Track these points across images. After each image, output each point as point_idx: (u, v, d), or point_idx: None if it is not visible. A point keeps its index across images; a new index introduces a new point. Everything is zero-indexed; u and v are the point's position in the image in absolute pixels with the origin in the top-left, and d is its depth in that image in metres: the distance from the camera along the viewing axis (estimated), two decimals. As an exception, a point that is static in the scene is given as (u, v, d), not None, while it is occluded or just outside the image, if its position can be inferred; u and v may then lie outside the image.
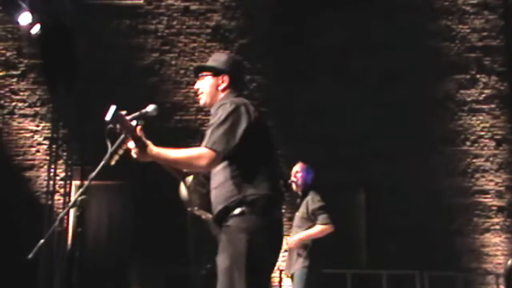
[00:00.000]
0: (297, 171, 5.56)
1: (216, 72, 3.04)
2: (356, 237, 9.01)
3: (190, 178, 2.98)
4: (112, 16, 9.70)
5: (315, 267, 5.23)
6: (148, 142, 2.82)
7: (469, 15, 9.61)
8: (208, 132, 2.80)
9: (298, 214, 5.43)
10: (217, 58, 3.11)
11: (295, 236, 5.30)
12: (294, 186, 5.57)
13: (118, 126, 2.70)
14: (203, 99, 3.09)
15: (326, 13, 9.52)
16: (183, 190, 2.99)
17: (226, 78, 3.02)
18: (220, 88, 3.03)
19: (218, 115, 2.83)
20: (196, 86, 3.13)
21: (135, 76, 9.47)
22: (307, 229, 5.27)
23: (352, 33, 9.46)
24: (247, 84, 3.27)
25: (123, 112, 2.74)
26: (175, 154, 2.80)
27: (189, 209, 2.97)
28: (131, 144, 2.79)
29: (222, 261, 2.73)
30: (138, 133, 2.80)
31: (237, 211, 2.74)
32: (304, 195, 5.45)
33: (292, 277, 5.36)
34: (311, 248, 5.23)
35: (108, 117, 2.66)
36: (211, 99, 3.06)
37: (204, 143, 2.78)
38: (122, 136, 2.77)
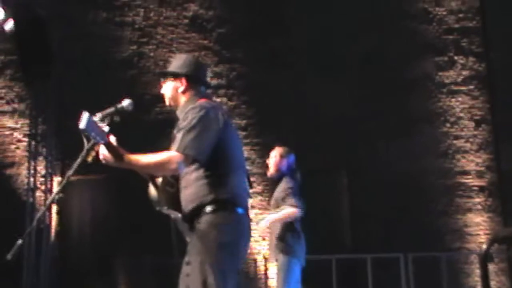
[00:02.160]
0: (272, 157, 5.44)
1: (174, 75, 3.15)
2: (339, 221, 9.07)
3: (159, 179, 3.03)
4: (88, 9, 9.61)
5: (298, 254, 5.23)
6: (120, 149, 2.84)
7: (445, -3, 9.67)
8: (179, 136, 2.87)
9: (272, 202, 5.38)
10: (175, 63, 3.21)
11: (264, 219, 5.24)
12: (268, 172, 5.49)
13: (92, 133, 2.72)
14: (167, 102, 3.23)
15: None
16: (152, 190, 3.04)
17: (183, 81, 3.13)
18: (180, 90, 3.14)
19: (188, 119, 2.91)
20: (161, 91, 3.25)
21: (114, 69, 9.40)
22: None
23: (330, 18, 9.46)
24: (209, 83, 3.32)
25: (96, 119, 2.76)
26: (144, 160, 2.84)
27: (157, 208, 3.01)
28: (102, 150, 2.81)
29: (194, 256, 2.82)
30: (108, 139, 2.81)
31: (209, 208, 2.85)
32: (278, 180, 5.39)
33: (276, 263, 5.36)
34: (293, 235, 5.22)
35: (81, 124, 2.67)
36: (174, 102, 3.18)
37: (175, 147, 2.85)
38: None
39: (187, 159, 2.82)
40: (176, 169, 2.82)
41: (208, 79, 3.30)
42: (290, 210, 5.15)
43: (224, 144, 2.93)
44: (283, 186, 5.29)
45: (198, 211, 2.86)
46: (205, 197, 2.86)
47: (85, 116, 2.69)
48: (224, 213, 2.84)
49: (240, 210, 2.90)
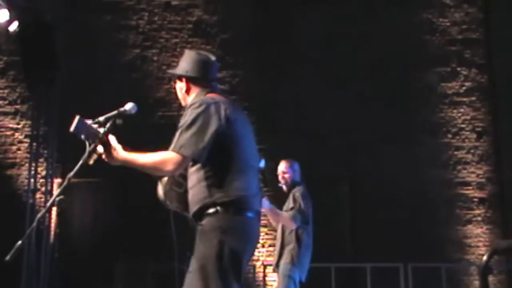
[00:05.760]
0: (284, 172, 5.41)
1: (177, 76, 3.12)
2: (340, 230, 9.05)
3: (166, 179, 2.98)
4: (92, 12, 9.61)
5: (301, 264, 5.22)
6: (117, 147, 2.83)
7: (449, 8, 9.68)
8: (176, 134, 2.79)
9: (284, 208, 5.36)
10: (181, 61, 3.15)
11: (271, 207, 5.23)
12: (284, 188, 5.44)
13: (82, 136, 2.77)
14: (181, 102, 3.16)
15: (308, 6, 9.54)
16: (160, 190, 3.00)
17: (184, 81, 3.08)
18: (183, 91, 3.09)
19: (186, 116, 2.82)
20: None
21: (116, 72, 9.41)
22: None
23: (334, 26, 9.48)
24: (215, 78, 3.22)
25: (89, 121, 2.79)
26: (142, 159, 2.79)
27: (169, 207, 2.99)
28: (100, 149, 2.82)
29: (194, 260, 2.75)
30: (106, 138, 2.81)
31: (211, 210, 2.75)
32: (290, 191, 5.39)
33: (278, 271, 5.35)
34: (299, 245, 5.22)
35: (72, 128, 2.75)
36: (184, 101, 3.11)
37: (171, 146, 2.77)
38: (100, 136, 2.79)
39: (184, 160, 2.73)
40: (173, 171, 2.76)
41: (214, 73, 3.14)
42: (287, 218, 5.18)
43: (228, 142, 2.79)
44: (292, 196, 5.28)
45: (200, 213, 2.77)
46: (207, 199, 2.75)
47: (76, 119, 2.76)
48: (227, 216, 2.72)
49: (244, 213, 2.77)
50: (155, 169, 2.80)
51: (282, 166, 5.45)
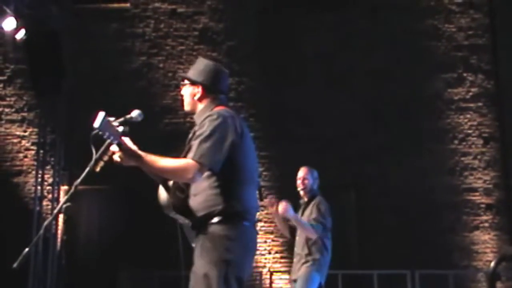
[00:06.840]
0: (305, 178, 5.41)
1: (191, 81, 3.13)
2: (347, 237, 9.02)
3: (170, 183, 3.00)
4: (99, 20, 9.67)
5: (322, 269, 5.22)
6: (135, 147, 2.84)
7: (455, 14, 9.67)
8: (195, 144, 2.84)
9: (303, 218, 5.31)
10: (196, 67, 3.17)
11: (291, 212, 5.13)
12: (302, 193, 5.45)
13: (106, 133, 2.71)
14: (185, 106, 3.19)
15: (313, 13, 9.56)
16: (162, 194, 3.02)
17: (200, 88, 3.10)
18: (196, 98, 3.11)
19: (205, 127, 2.88)
20: (181, 92, 3.22)
21: (123, 80, 9.44)
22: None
23: (339, 33, 9.50)
24: (227, 91, 3.26)
25: (111, 118, 2.75)
26: (162, 163, 2.81)
27: (166, 212, 3.00)
28: (114, 148, 2.79)
29: (200, 267, 2.78)
30: (121, 139, 2.80)
31: (216, 219, 2.81)
32: (310, 199, 5.37)
33: (295, 281, 5.31)
34: (321, 250, 5.21)
35: (96, 123, 2.66)
36: (191, 107, 3.15)
37: (191, 155, 2.81)
38: (107, 142, 2.77)
39: (203, 169, 2.79)
40: (192, 179, 2.80)
41: (225, 85, 3.20)
42: (310, 228, 5.16)
43: (238, 155, 2.89)
44: (317, 206, 5.26)
45: (205, 220, 2.83)
46: (214, 207, 2.82)
47: (100, 115, 2.68)
48: (231, 226, 2.81)
49: (248, 223, 2.87)
50: (174, 175, 2.86)
51: (303, 172, 5.47)
